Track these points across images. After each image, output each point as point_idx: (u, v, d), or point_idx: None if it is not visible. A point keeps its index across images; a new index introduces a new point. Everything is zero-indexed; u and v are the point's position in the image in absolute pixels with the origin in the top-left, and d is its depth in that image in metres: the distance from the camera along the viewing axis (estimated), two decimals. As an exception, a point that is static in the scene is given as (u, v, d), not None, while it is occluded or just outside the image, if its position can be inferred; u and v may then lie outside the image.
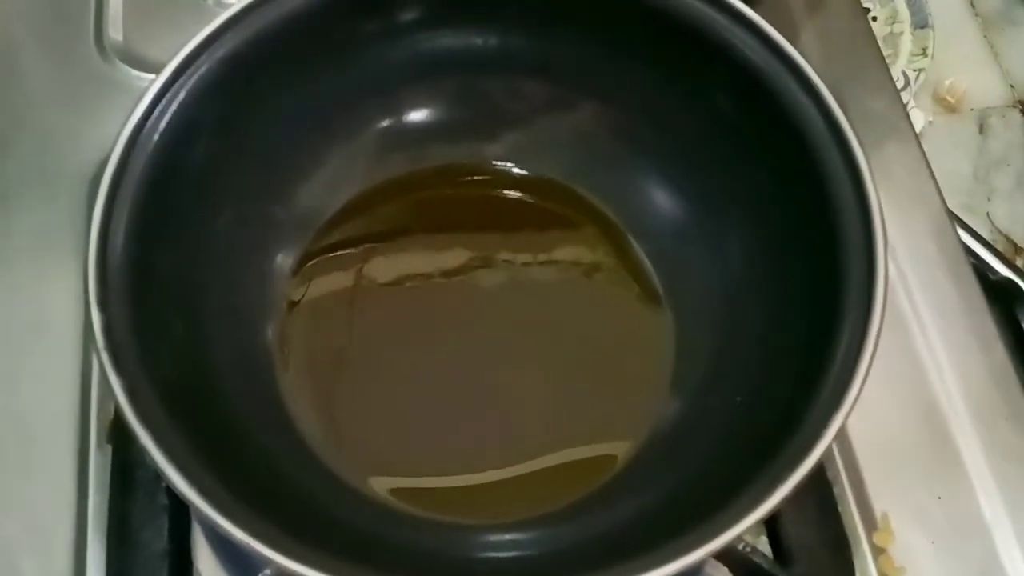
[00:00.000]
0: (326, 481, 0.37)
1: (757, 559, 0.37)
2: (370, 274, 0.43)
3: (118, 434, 0.39)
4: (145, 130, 0.35)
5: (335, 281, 0.42)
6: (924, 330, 0.44)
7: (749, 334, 0.39)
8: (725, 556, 0.35)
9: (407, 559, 0.35)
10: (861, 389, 0.32)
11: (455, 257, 0.43)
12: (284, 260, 0.42)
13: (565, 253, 0.44)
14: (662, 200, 0.43)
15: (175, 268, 0.36)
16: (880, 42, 0.55)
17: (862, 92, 0.50)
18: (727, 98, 0.39)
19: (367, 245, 0.43)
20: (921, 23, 0.71)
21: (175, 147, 0.35)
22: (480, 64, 0.42)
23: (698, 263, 0.41)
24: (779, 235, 0.38)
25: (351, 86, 0.42)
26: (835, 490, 0.40)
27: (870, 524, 0.40)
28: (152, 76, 0.36)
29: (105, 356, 0.31)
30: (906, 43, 0.71)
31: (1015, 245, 0.68)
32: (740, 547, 0.36)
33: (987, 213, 0.68)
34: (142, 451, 0.30)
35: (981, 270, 0.50)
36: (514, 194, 0.44)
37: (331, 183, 0.43)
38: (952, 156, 0.70)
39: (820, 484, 0.40)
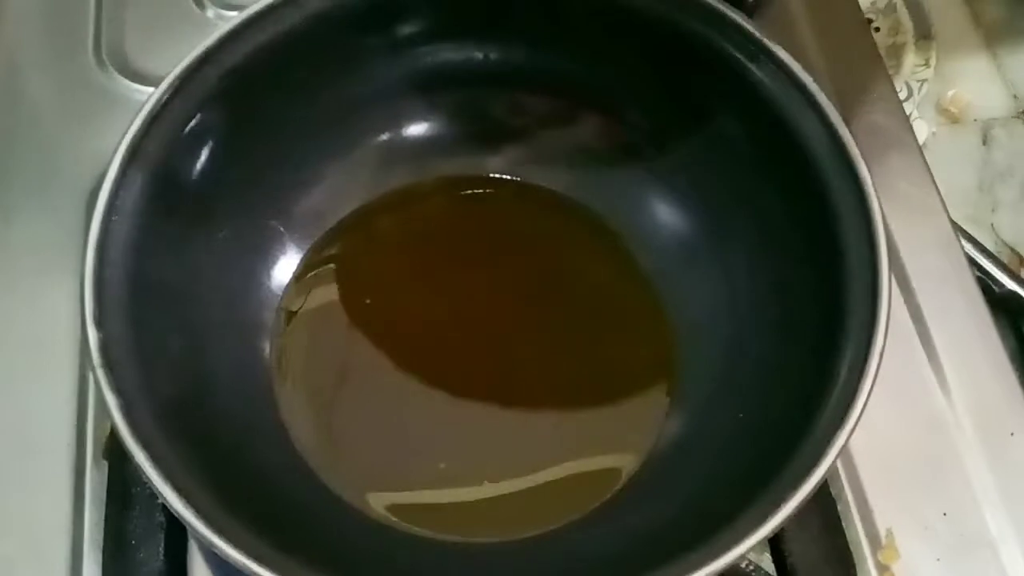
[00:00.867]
0: (325, 499, 0.37)
1: (760, 577, 0.37)
2: (369, 288, 0.43)
3: (115, 450, 0.39)
4: (143, 144, 0.35)
5: (334, 295, 0.42)
6: (929, 344, 0.43)
7: (752, 351, 0.38)
8: (728, 574, 0.34)
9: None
10: (865, 406, 0.31)
11: (455, 270, 0.43)
12: (283, 274, 0.42)
13: (567, 267, 0.43)
14: (665, 215, 0.42)
15: (173, 283, 0.36)
16: (883, 53, 0.54)
17: (865, 104, 0.49)
18: (730, 113, 0.38)
19: (366, 259, 0.43)
20: (924, 34, 0.71)
21: (173, 161, 0.35)
22: (481, 78, 0.42)
23: (701, 279, 0.41)
24: (782, 251, 0.38)
25: (351, 100, 0.41)
26: (839, 507, 0.40)
27: (875, 541, 0.39)
28: (151, 89, 0.35)
29: (101, 374, 0.31)
30: (909, 54, 0.71)
31: (1020, 257, 0.67)
32: (743, 565, 0.36)
33: (991, 225, 0.68)
34: (138, 468, 0.30)
35: (986, 282, 0.49)
36: (515, 208, 0.44)
37: (331, 197, 0.43)
38: (956, 168, 0.70)
39: (824, 501, 0.39)
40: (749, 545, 0.30)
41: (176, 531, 0.37)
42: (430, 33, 0.41)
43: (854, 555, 0.39)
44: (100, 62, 0.49)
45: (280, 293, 0.41)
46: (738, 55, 0.37)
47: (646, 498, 0.37)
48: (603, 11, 0.39)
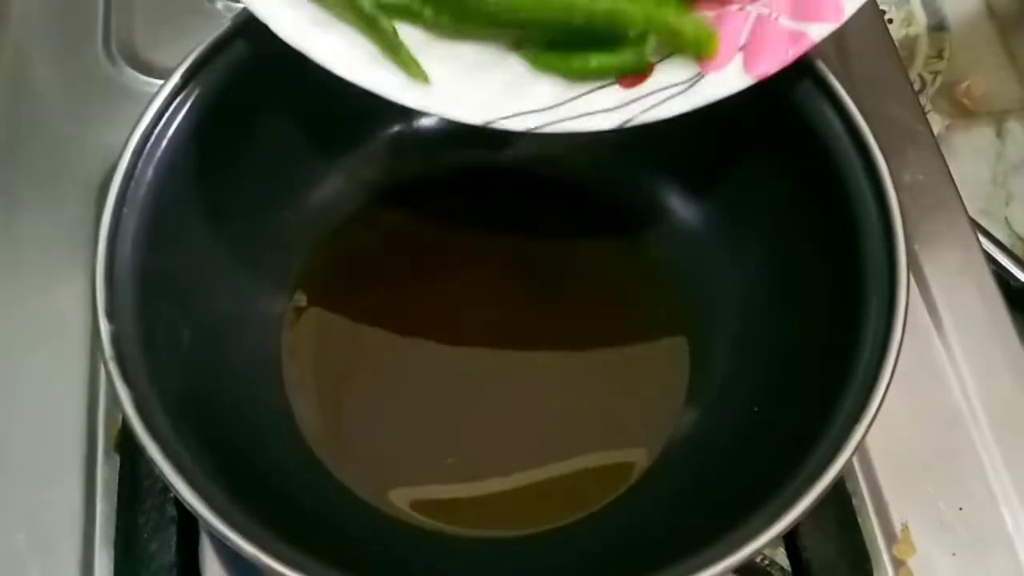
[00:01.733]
0: (335, 492, 0.37)
1: (775, 573, 0.36)
2: (379, 281, 0.42)
3: (126, 443, 0.39)
4: (153, 137, 0.34)
5: (344, 288, 0.42)
6: (945, 338, 0.43)
7: (766, 345, 0.38)
8: (743, 570, 0.34)
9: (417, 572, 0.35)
10: (882, 402, 0.31)
11: (466, 263, 0.43)
12: (294, 267, 0.42)
13: (580, 260, 0.43)
14: (679, 208, 0.42)
15: (184, 276, 0.36)
16: (896, 44, 0.54)
17: (880, 96, 0.49)
18: (744, 104, 0.38)
19: (377, 251, 0.43)
20: (937, 25, 0.70)
21: (184, 154, 0.35)
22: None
23: (716, 272, 0.40)
24: (798, 244, 0.37)
25: (362, 91, 0.41)
26: (854, 502, 0.39)
27: (890, 536, 0.39)
28: (160, 82, 0.35)
29: (113, 367, 0.31)
30: (922, 46, 0.70)
31: (1034, 250, 0.67)
32: (758, 560, 0.35)
33: (1005, 218, 0.67)
34: (150, 462, 0.30)
35: (1002, 277, 0.49)
36: (528, 200, 0.44)
37: (342, 189, 0.43)
38: (969, 160, 0.69)
39: (839, 496, 0.39)
40: (764, 541, 0.29)
41: (188, 524, 0.37)
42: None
43: (869, 550, 0.38)
44: (109, 54, 0.49)
45: (291, 286, 0.41)
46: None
47: (660, 493, 0.36)
48: None
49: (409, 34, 0.34)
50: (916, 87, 0.69)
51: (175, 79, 0.35)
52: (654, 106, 0.34)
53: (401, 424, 0.40)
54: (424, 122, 0.44)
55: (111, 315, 0.32)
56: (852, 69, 0.49)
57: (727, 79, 0.33)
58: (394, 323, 0.42)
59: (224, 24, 0.36)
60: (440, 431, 0.39)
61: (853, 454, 0.30)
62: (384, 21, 0.34)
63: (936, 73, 0.70)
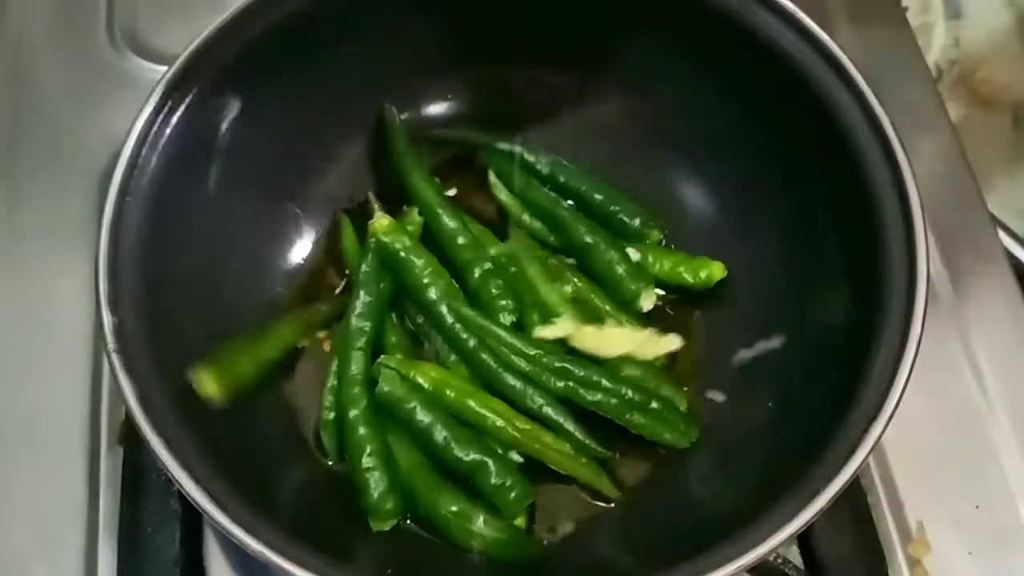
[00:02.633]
0: (339, 488, 0.36)
1: (789, 571, 0.36)
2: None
3: (129, 436, 0.38)
4: (157, 125, 0.34)
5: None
6: (962, 332, 0.42)
7: (780, 339, 0.37)
8: (757, 568, 0.33)
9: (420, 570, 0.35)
10: (900, 399, 0.30)
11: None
12: (298, 257, 0.41)
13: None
14: (693, 195, 0.41)
15: (187, 266, 0.35)
16: (914, 33, 0.53)
17: (898, 85, 0.48)
18: (762, 91, 0.37)
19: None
20: (954, 13, 0.69)
21: (188, 143, 0.34)
22: (501, 55, 0.41)
23: (731, 261, 0.39)
24: (816, 236, 0.36)
25: (368, 78, 0.40)
26: (869, 499, 0.39)
27: (905, 534, 0.38)
28: (164, 68, 0.35)
29: (116, 359, 0.30)
30: (939, 34, 0.69)
31: (1051, 243, 0.66)
32: (772, 558, 0.35)
33: (1022, 210, 0.66)
34: (154, 457, 0.30)
35: (1019, 269, 0.48)
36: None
37: (347, 178, 0.42)
38: (986, 150, 0.68)
39: (854, 493, 0.38)
40: (780, 539, 0.29)
41: (192, 518, 0.37)
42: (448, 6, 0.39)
43: (884, 548, 0.38)
44: (112, 40, 0.48)
45: (295, 275, 0.41)
46: (771, 32, 0.35)
47: (672, 493, 0.36)
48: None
49: None
50: (933, 75, 0.68)
51: (179, 66, 0.34)
52: None
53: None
54: (432, 109, 0.43)
55: (114, 306, 0.31)
56: (871, 58, 0.48)
57: None
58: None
59: (228, 10, 0.35)
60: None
61: (870, 454, 0.29)
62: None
63: (953, 62, 0.69)
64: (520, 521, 0.35)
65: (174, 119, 0.34)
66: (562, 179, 0.42)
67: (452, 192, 0.43)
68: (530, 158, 0.42)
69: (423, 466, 0.36)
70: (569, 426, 0.36)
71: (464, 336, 0.38)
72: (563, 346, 0.38)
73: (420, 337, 0.40)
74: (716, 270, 0.39)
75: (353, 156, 0.42)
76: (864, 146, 0.34)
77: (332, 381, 0.37)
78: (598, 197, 0.41)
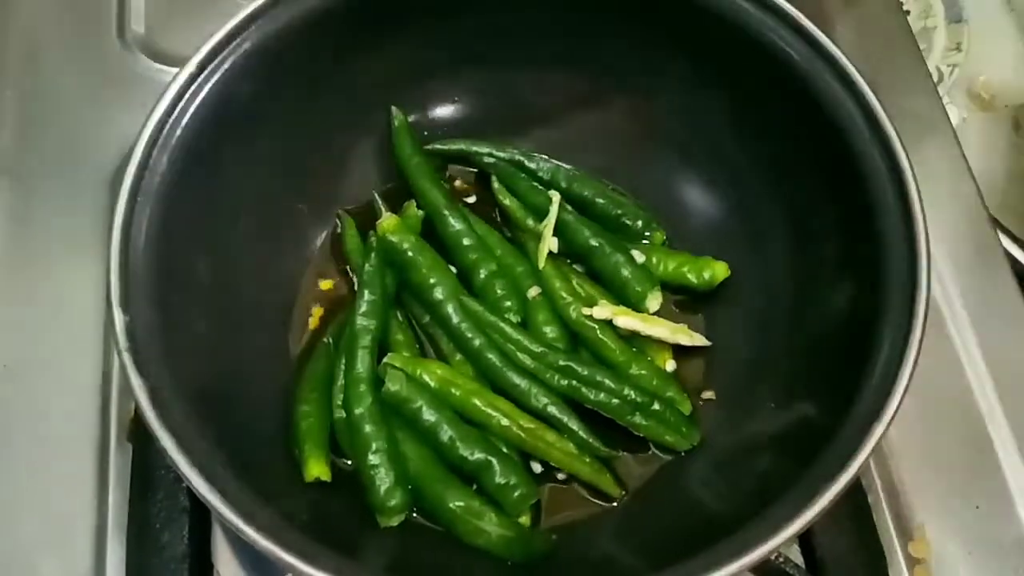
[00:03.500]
0: (351, 486, 0.36)
1: (790, 570, 0.36)
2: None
3: (138, 433, 0.39)
4: (168, 126, 0.34)
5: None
6: (962, 333, 0.43)
7: (782, 338, 0.38)
8: (757, 567, 0.34)
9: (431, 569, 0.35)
10: (902, 401, 0.30)
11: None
12: (306, 256, 0.41)
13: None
14: (696, 196, 0.42)
15: (198, 266, 0.35)
16: (914, 37, 0.53)
17: (899, 89, 0.48)
18: (764, 94, 0.37)
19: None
20: (955, 18, 0.69)
21: (199, 143, 0.35)
22: (508, 58, 0.41)
23: (734, 261, 0.40)
24: (818, 237, 0.37)
25: (377, 81, 0.41)
26: (869, 498, 0.39)
27: (905, 534, 0.39)
28: (174, 69, 0.35)
29: (127, 358, 0.31)
30: (940, 38, 0.69)
31: (1051, 246, 0.66)
32: (773, 557, 0.35)
33: (1022, 212, 0.66)
34: (165, 456, 0.30)
35: (1020, 271, 0.48)
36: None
37: (355, 180, 0.42)
38: (986, 154, 0.69)
39: (854, 492, 0.38)
40: (781, 540, 0.29)
41: (200, 514, 0.37)
42: (456, 10, 0.40)
43: (885, 548, 0.38)
44: (123, 42, 0.48)
45: (303, 274, 0.41)
46: (774, 37, 0.36)
47: (676, 491, 0.36)
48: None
49: None
50: (934, 79, 0.68)
51: (190, 67, 0.35)
52: None
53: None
54: (439, 112, 0.43)
55: (125, 305, 0.31)
56: (872, 62, 0.48)
57: None
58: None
59: (238, 12, 0.35)
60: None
61: (871, 455, 0.30)
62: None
63: (954, 66, 0.69)
64: (524, 520, 0.36)
65: (184, 120, 0.34)
66: (563, 184, 0.42)
67: (471, 200, 0.43)
68: (531, 165, 0.42)
69: (430, 462, 0.36)
70: (573, 425, 0.37)
71: (470, 335, 0.38)
72: (571, 344, 0.39)
73: (424, 335, 0.40)
74: (719, 270, 0.40)
75: (360, 157, 0.42)
76: (865, 148, 0.34)
77: (339, 380, 0.38)
78: (600, 200, 0.42)
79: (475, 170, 0.44)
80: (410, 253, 0.39)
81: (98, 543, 0.38)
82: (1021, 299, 0.44)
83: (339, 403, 0.37)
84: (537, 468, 0.37)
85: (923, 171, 0.45)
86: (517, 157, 0.43)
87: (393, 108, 0.42)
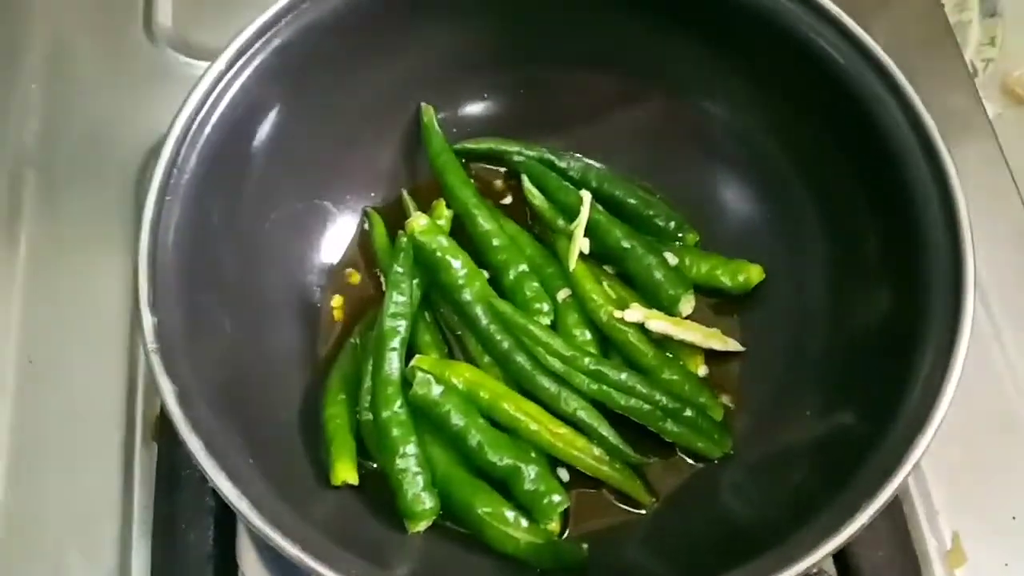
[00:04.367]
0: (374, 488, 0.36)
1: (824, 580, 0.35)
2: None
3: (164, 432, 0.38)
4: (197, 124, 0.34)
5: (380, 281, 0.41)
6: (1001, 340, 0.42)
7: (820, 344, 0.37)
8: (792, 577, 0.33)
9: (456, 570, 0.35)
10: (945, 415, 0.30)
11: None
12: (333, 255, 0.41)
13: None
14: (731, 197, 0.41)
15: (226, 265, 0.35)
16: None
17: (937, 85, 0.47)
18: (802, 92, 0.37)
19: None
20: (990, 11, 0.68)
21: (228, 140, 0.34)
22: (540, 56, 0.41)
23: (769, 264, 0.39)
24: (857, 239, 0.36)
25: (407, 76, 0.40)
26: (905, 508, 0.38)
27: (941, 544, 0.38)
28: (200, 63, 0.35)
29: (155, 359, 0.30)
30: (974, 32, 0.68)
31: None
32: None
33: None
34: (193, 459, 0.30)
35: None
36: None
37: (383, 177, 0.42)
38: (1021, 151, 0.67)
39: (890, 503, 0.38)
40: (820, 555, 0.28)
41: (225, 514, 0.37)
42: (487, 8, 0.39)
43: (920, 558, 0.37)
44: (150, 35, 0.48)
45: (330, 273, 0.41)
46: (808, 32, 0.35)
47: (708, 501, 0.36)
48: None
49: None
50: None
51: (219, 64, 0.34)
52: None
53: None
54: (470, 108, 0.43)
55: (154, 306, 0.31)
56: (910, 58, 0.47)
57: None
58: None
59: (267, 7, 0.35)
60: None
61: (912, 470, 0.29)
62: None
63: (988, 60, 0.68)
64: (554, 526, 0.35)
65: (214, 118, 0.34)
66: (594, 183, 0.41)
67: (507, 200, 0.43)
68: (561, 163, 0.42)
69: (458, 467, 0.36)
70: (603, 430, 0.36)
71: (499, 337, 0.37)
72: (601, 347, 0.38)
73: (453, 337, 0.39)
74: (754, 273, 0.39)
75: (389, 154, 0.42)
76: (906, 147, 0.33)
77: (367, 382, 0.37)
78: (631, 200, 0.41)
79: (504, 169, 0.43)
80: (439, 254, 0.38)
81: (123, 541, 0.37)
82: (1061, 304, 0.43)
83: (366, 405, 0.37)
84: (565, 476, 0.37)
85: (962, 171, 0.44)
86: (547, 155, 0.42)
87: (423, 105, 0.41)
